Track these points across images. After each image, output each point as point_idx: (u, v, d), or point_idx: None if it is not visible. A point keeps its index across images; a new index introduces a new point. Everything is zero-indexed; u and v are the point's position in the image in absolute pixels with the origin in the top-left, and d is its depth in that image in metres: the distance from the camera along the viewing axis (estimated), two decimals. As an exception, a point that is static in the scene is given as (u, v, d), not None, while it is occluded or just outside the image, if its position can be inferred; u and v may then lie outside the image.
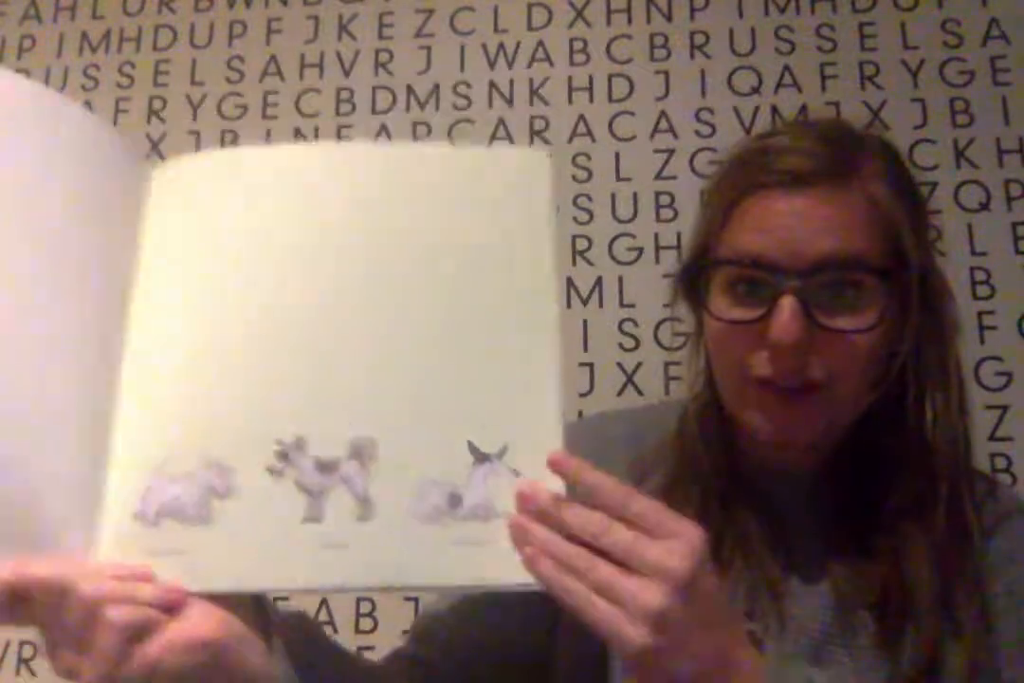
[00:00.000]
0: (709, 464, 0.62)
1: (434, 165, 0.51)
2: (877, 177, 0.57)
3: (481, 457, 0.45)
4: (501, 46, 1.58)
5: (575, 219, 1.49)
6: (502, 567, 0.43)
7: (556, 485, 0.44)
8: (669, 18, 1.55)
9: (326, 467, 0.45)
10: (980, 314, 1.38)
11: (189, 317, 0.47)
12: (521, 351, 0.47)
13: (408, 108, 1.57)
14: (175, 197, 0.49)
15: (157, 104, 1.63)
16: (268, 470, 0.45)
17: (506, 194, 0.50)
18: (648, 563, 0.40)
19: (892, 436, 0.60)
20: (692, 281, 0.62)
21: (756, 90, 1.50)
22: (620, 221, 1.47)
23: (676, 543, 0.41)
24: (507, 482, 0.44)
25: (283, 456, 0.45)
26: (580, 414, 1.11)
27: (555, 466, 0.43)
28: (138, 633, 0.40)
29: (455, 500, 0.44)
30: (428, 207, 0.49)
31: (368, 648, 1.28)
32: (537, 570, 0.42)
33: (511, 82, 1.56)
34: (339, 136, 1.57)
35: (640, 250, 1.46)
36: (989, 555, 0.59)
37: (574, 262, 1.47)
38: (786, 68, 1.50)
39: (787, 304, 0.54)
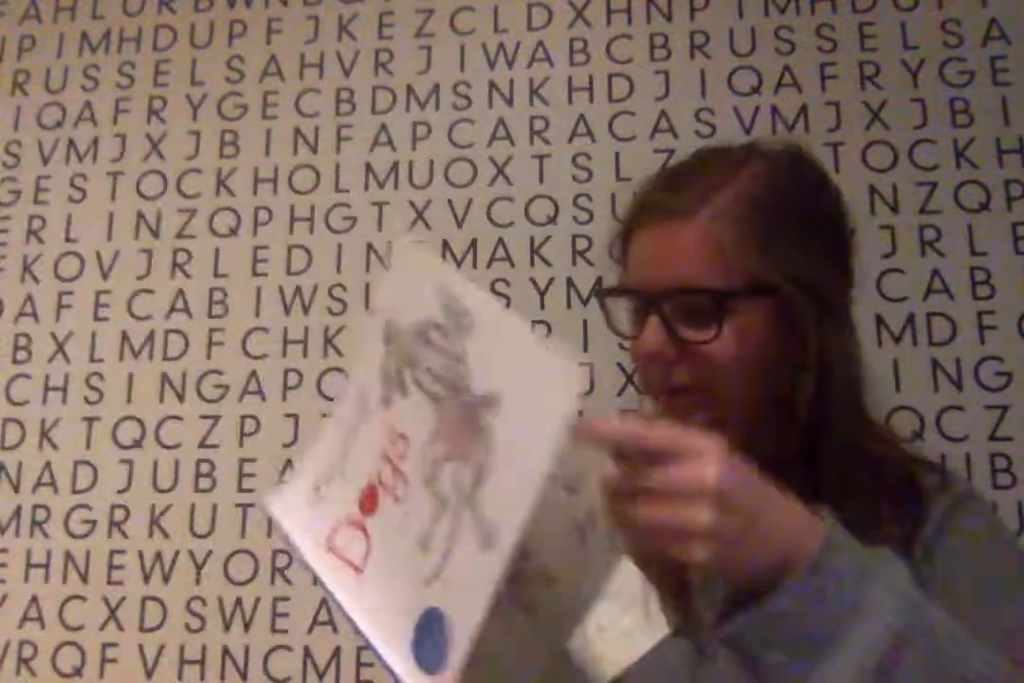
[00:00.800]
0: None
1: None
2: (727, 204, 0.64)
3: None
4: (501, 46, 1.58)
5: (575, 219, 1.49)
6: None
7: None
8: (669, 18, 1.55)
9: None
10: (980, 314, 1.38)
11: None
12: None
13: (408, 108, 1.57)
14: None
15: (157, 104, 1.63)
16: None
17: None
18: (684, 489, 0.45)
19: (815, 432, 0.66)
20: (607, 308, 0.75)
21: (756, 90, 1.50)
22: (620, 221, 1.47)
23: (699, 461, 0.46)
24: None
25: None
26: (580, 414, 1.10)
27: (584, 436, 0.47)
28: None
29: None
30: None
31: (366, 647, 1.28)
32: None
33: (511, 82, 1.56)
34: (339, 136, 1.57)
35: (640, 250, 1.46)
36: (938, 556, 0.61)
37: (574, 262, 1.47)
38: (786, 68, 1.50)
39: (650, 322, 0.64)
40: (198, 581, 1.43)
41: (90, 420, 1.51)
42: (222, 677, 1.40)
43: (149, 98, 1.63)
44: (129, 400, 1.51)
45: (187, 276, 1.55)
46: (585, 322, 1.45)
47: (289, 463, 1.45)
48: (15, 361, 1.55)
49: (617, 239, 0.72)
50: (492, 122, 1.55)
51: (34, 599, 1.45)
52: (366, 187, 1.55)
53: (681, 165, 0.73)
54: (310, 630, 1.40)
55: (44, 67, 1.67)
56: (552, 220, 1.50)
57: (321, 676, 1.38)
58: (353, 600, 0.51)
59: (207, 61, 1.64)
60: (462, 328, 0.50)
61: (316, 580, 0.55)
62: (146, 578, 1.44)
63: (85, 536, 1.47)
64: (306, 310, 1.51)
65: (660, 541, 0.46)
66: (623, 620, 0.57)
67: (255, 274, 1.54)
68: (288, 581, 1.42)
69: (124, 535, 1.46)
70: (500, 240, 1.50)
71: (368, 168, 1.56)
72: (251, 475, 1.46)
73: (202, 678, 1.40)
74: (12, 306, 1.58)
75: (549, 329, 1.45)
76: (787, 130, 1.47)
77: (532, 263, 1.48)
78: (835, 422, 0.64)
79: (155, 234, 1.58)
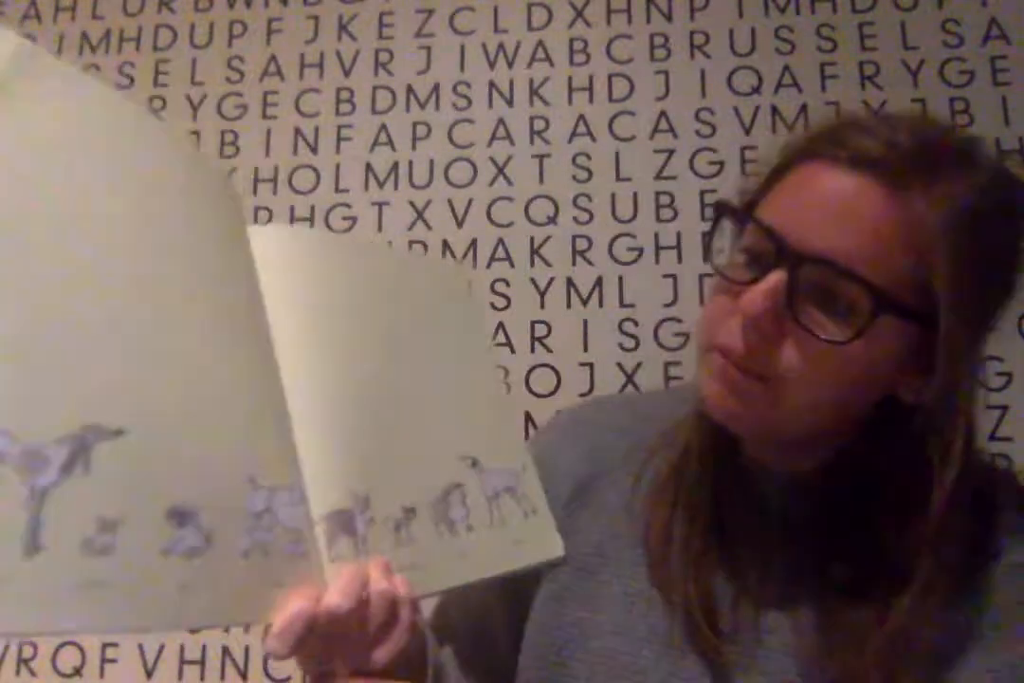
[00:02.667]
0: (706, 462, 0.61)
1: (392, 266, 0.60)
2: (947, 202, 0.50)
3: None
4: (501, 46, 1.58)
5: (575, 219, 1.49)
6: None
7: None
8: (669, 18, 1.55)
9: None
10: (980, 314, 1.38)
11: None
12: None
13: (408, 108, 1.57)
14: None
15: (157, 104, 1.63)
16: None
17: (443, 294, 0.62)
18: None
19: (894, 461, 0.55)
20: (714, 230, 0.59)
21: (756, 90, 1.50)
22: (620, 221, 1.47)
23: None
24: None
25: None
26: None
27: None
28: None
29: None
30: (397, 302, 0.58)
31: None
32: None
33: (511, 82, 1.56)
34: (339, 136, 1.57)
35: (640, 250, 1.46)
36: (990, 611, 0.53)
37: (574, 262, 1.47)
38: (786, 68, 1.50)
39: (772, 278, 0.51)
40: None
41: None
42: (222, 677, 1.40)
43: (149, 98, 1.63)
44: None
45: (187, 276, 1.55)
46: (585, 322, 1.45)
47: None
48: None
49: (776, 163, 0.57)
50: (492, 122, 1.55)
51: (34, 599, 1.45)
52: (366, 187, 1.55)
53: (898, 118, 0.55)
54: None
55: (44, 67, 1.67)
56: (552, 220, 1.50)
57: (321, 676, 1.38)
58: None
59: (207, 61, 1.64)
60: None
61: None
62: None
63: (85, 536, 1.47)
64: (306, 310, 1.51)
65: None
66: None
67: (255, 274, 1.54)
68: (288, 581, 1.42)
69: (124, 535, 1.46)
70: (500, 240, 1.50)
71: (368, 168, 1.55)
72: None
73: (202, 678, 1.40)
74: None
75: (549, 329, 1.45)
76: (787, 130, 1.47)
77: (532, 263, 1.48)
78: (947, 481, 0.52)
79: (155, 234, 1.58)
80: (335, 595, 0.44)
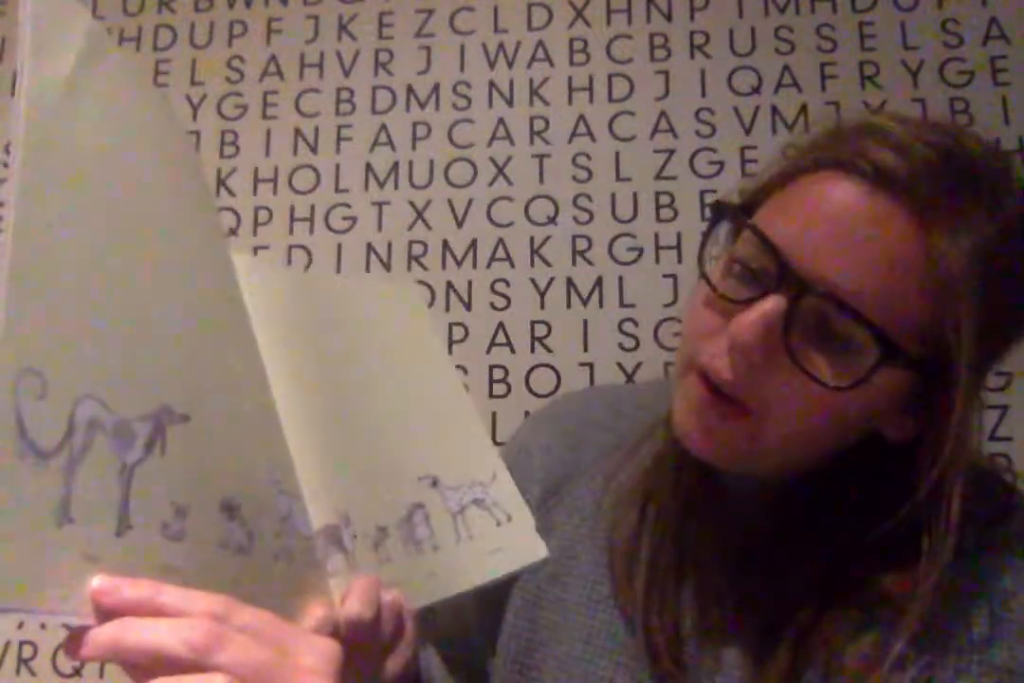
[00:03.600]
0: (678, 467, 0.58)
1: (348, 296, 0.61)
2: (974, 241, 0.44)
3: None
4: (501, 46, 1.58)
5: (575, 219, 1.49)
6: None
7: None
8: (669, 18, 1.55)
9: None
10: (980, 314, 1.38)
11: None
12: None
13: (408, 108, 1.57)
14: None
15: (157, 104, 1.63)
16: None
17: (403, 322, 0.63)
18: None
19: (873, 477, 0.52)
20: (709, 233, 0.52)
21: (756, 90, 1.50)
22: (620, 221, 1.47)
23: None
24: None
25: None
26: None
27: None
28: None
29: None
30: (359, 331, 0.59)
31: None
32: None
33: (511, 82, 1.56)
34: (339, 136, 1.57)
35: (640, 250, 1.46)
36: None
37: (574, 262, 1.47)
38: (786, 68, 1.50)
39: (768, 303, 0.45)
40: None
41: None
42: (222, 677, 1.40)
43: (149, 98, 1.63)
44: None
45: (187, 276, 1.55)
46: (585, 322, 1.45)
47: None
48: None
49: (787, 164, 0.51)
50: (492, 122, 1.55)
51: (34, 599, 1.45)
52: (366, 187, 1.55)
53: (931, 129, 0.47)
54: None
55: (44, 67, 1.67)
56: (552, 220, 1.49)
57: (321, 676, 1.38)
58: None
59: (207, 61, 1.64)
60: None
61: None
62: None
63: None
64: (306, 310, 1.51)
65: None
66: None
67: (255, 274, 1.54)
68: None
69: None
70: (500, 240, 1.50)
71: (368, 168, 1.55)
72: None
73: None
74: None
75: (549, 329, 1.45)
76: (787, 130, 1.47)
77: (532, 263, 1.48)
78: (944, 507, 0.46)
79: (155, 234, 1.58)
80: (356, 604, 0.42)
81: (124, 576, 0.31)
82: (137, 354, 0.35)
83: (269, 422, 0.44)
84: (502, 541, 0.58)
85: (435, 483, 0.56)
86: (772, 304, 0.45)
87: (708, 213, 0.52)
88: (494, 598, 0.63)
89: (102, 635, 0.31)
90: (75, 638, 0.31)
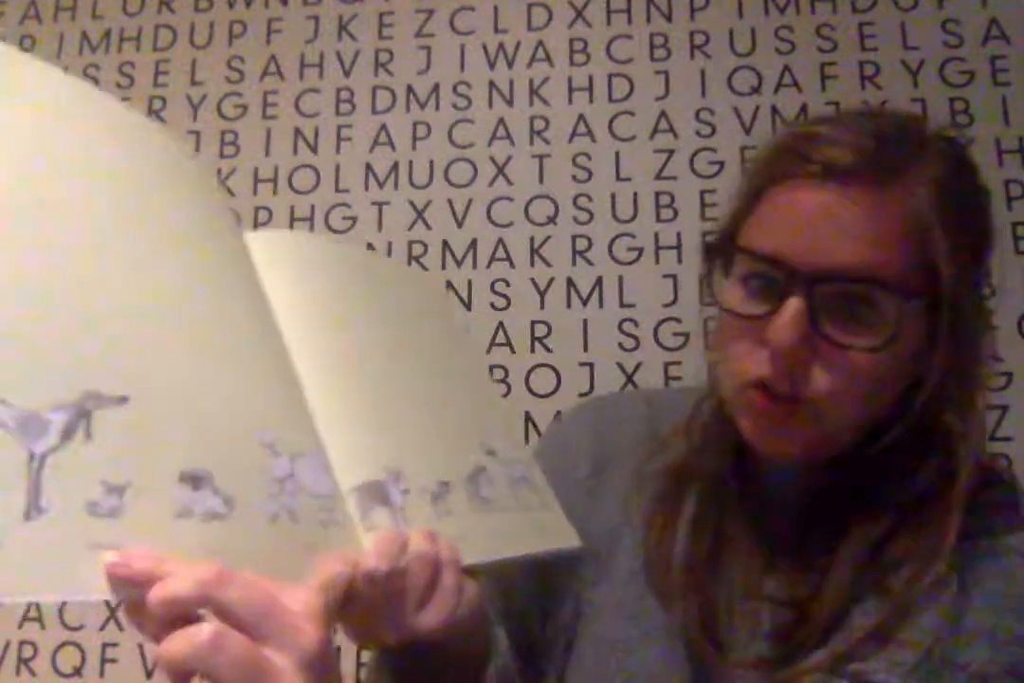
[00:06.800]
0: (715, 460, 0.62)
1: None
2: (924, 185, 0.52)
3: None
4: (501, 46, 1.58)
5: (575, 219, 1.49)
6: None
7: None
8: (669, 18, 1.55)
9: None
10: (980, 314, 1.38)
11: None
12: None
13: (408, 108, 1.57)
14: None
15: (157, 104, 1.63)
16: None
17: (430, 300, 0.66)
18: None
19: (905, 453, 0.56)
20: (711, 267, 0.59)
21: (756, 90, 1.50)
22: (620, 221, 1.47)
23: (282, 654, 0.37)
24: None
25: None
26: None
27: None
28: None
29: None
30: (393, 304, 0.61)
31: (366, 648, 1.28)
32: None
33: (511, 82, 1.56)
34: (339, 136, 1.57)
35: (640, 250, 1.46)
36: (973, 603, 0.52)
37: (574, 262, 1.47)
38: (786, 68, 1.50)
39: (791, 306, 0.51)
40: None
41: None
42: (222, 677, 1.40)
43: (149, 98, 1.63)
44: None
45: (187, 276, 1.55)
46: (585, 322, 1.45)
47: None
48: None
49: (746, 189, 0.58)
50: (492, 122, 1.55)
51: (34, 599, 1.45)
52: (366, 187, 1.55)
53: (848, 119, 0.56)
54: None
55: (44, 67, 1.67)
56: (552, 220, 1.50)
57: (321, 676, 1.38)
58: None
59: (207, 61, 1.64)
60: None
61: None
62: (146, 578, 1.44)
63: (85, 536, 1.47)
64: (306, 310, 1.51)
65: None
66: None
67: (255, 274, 1.54)
68: (288, 581, 1.42)
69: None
70: (500, 240, 1.50)
71: (368, 168, 1.55)
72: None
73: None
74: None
75: (549, 329, 1.45)
76: (787, 130, 1.47)
77: (532, 263, 1.48)
78: (962, 462, 0.54)
79: (155, 234, 1.58)
80: (372, 558, 0.43)
81: (38, 559, 0.33)
82: (46, 347, 0.35)
83: (265, 389, 0.44)
84: (546, 520, 0.59)
85: (492, 452, 0.57)
86: (793, 304, 0.51)
87: (702, 258, 0.60)
88: (547, 576, 0.65)
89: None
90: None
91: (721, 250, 0.58)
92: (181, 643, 0.34)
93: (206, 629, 0.35)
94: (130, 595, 0.35)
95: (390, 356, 0.55)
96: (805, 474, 0.60)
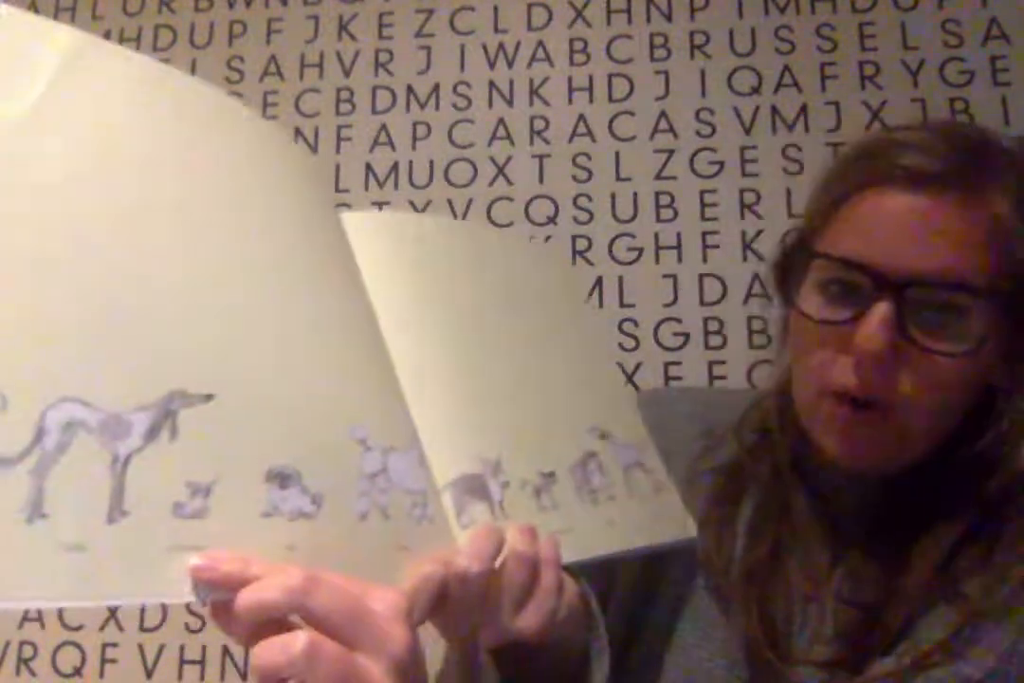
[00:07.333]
0: (772, 462, 0.61)
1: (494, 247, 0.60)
2: (1008, 193, 0.53)
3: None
4: (501, 46, 1.58)
5: (575, 219, 1.49)
6: None
7: None
8: (669, 18, 1.55)
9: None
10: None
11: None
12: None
13: (408, 108, 1.57)
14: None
15: (157, 104, 1.63)
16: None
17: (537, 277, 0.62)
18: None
19: (976, 461, 0.56)
20: (785, 273, 0.58)
21: (756, 90, 1.50)
22: (620, 221, 1.47)
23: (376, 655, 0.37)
24: None
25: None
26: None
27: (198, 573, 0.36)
28: None
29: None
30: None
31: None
32: None
33: (511, 82, 1.56)
34: (339, 136, 1.57)
35: (640, 250, 1.46)
36: None
37: (574, 262, 1.47)
38: (786, 68, 1.50)
39: (880, 311, 0.51)
40: (198, 581, 1.43)
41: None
42: (222, 677, 1.40)
43: (149, 98, 1.63)
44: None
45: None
46: (585, 322, 1.45)
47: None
48: None
49: (827, 196, 0.57)
50: (492, 122, 1.55)
51: (34, 599, 1.45)
52: (366, 187, 1.55)
53: (933, 128, 0.57)
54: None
55: (44, 67, 1.67)
56: (552, 220, 1.50)
57: (321, 676, 1.38)
58: None
59: (207, 61, 1.64)
60: None
61: None
62: (146, 578, 1.44)
63: (85, 536, 1.47)
64: (306, 310, 1.51)
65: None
66: None
67: (255, 274, 1.54)
68: (288, 581, 1.42)
69: (124, 535, 1.46)
70: (500, 240, 1.50)
71: (368, 168, 1.56)
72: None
73: (202, 678, 1.40)
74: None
75: (549, 329, 1.45)
76: (787, 130, 1.47)
77: (532, 263, 1.48)
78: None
79: (155, 234, 1.58)
80: (465, 558, 0.42)
81: (122, 562, 0.32)
82: (129, 347, 0.35)
83: (358, 381, 0.43)
84: (660, 509, 0.57)
85: (604, 436, 0.55)
86: (882, 309, 0.51)
87: (784, 263, 0.59)
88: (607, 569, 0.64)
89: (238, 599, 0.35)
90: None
91: (799, 255, 0.57)
92: (276, 652, 0.35)
93: (301, 638, 0.34)
94: (215, 598, 0.35)
95: (490, 333, 0.53)
96: (872, 482, 0.59)
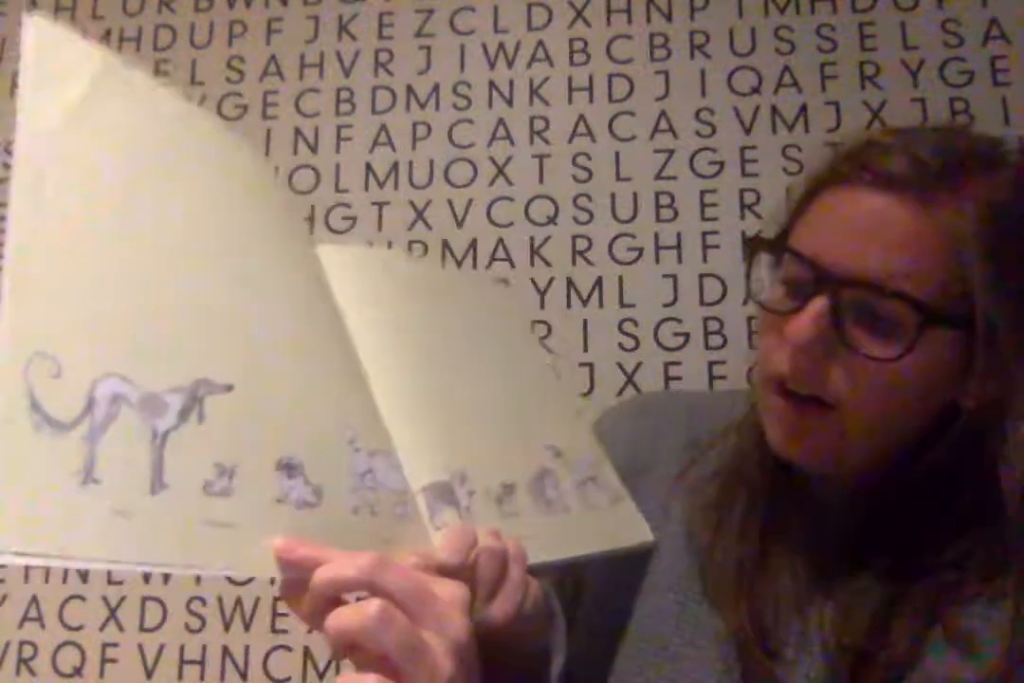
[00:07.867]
0: (761, 465, 0.61)
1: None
2: (978, 205, 0.51)
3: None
4: (501, 46, 1.58)
5: (575, 219, 1.49)
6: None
7: None
8: (669, 18, 1.55)
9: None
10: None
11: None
12: None
13: (408, 108, 1.57)
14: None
15: (157, 104, 1.63)
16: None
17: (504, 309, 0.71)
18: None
19: (950, 481, 0.56)
20: (751, 265, 0.59)
21: (756, 90, 1.50)
22: (620, 221, 1.47)
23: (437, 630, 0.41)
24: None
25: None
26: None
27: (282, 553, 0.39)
28: None
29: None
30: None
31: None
32: None
33: (511, 82, 1.56)
34: (339, 136, 1.57)
35: (640, 250, 1.46)
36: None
37: (574, 262, 1.47)
38: (786, 68, 1.50)
39: (815, 305, 0.52)
40: (198, 581, 1.43)
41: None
42: (222, 677, 1.40)
43: (149, 98, 1.63)
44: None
45: (187, 276, 1.55)
46: (585, 322, 1.45)
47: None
48: None
49: (801, 192, 0.59)
50: (492, 122, 1.55)
51: (34, 599, 1.45)
52: (366, 187, 1.55)
53: (922, 132, 0.57)
54: (310, 630, 1.40)
55: (44, 67, 1.67)
56: (552, 220, 1.50)
57: (321, 676, 1.38)
58: None
59: (207, 61, 1.64)
60: None
61: None
62: (146, 578, 1.44)
63: (85, 536, 1.47)
64: (306, 310, 1.51)
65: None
66: None
67: (255, 274, 1.54)
68: (288, 581, 1.42)
69: (124, 535, 1.46)
70: (500, 240, 1.50)
71: (368, 168, 1.56)
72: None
73: (202, 678, 1.40)
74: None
75: (549, 329, 1.45)
76: (787, 130, 1.47)
77: (532, 263, 1.48)
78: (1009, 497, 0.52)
79: (155, 234, 1.58)
80: (443, 552, 0.45)
81: (163, 531, 0.35)
82: (165, 334, 0.38)
83: (344, 389, 0.47)
84: (617, 518, 0.61)
85: (559, 454, 0.59)
86: (817, 303, 0.52)
87: (744, 251, 0.61)
88: (577, 577, 0.66)
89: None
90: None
91: (773, 250, 0.58)
92: (351, 616, 0.37)
93: (376, 603, 0.37)
94: (289, 576, 0.38)
95: (456, 359, 0.58)
96: (850, 493, 0.60)
